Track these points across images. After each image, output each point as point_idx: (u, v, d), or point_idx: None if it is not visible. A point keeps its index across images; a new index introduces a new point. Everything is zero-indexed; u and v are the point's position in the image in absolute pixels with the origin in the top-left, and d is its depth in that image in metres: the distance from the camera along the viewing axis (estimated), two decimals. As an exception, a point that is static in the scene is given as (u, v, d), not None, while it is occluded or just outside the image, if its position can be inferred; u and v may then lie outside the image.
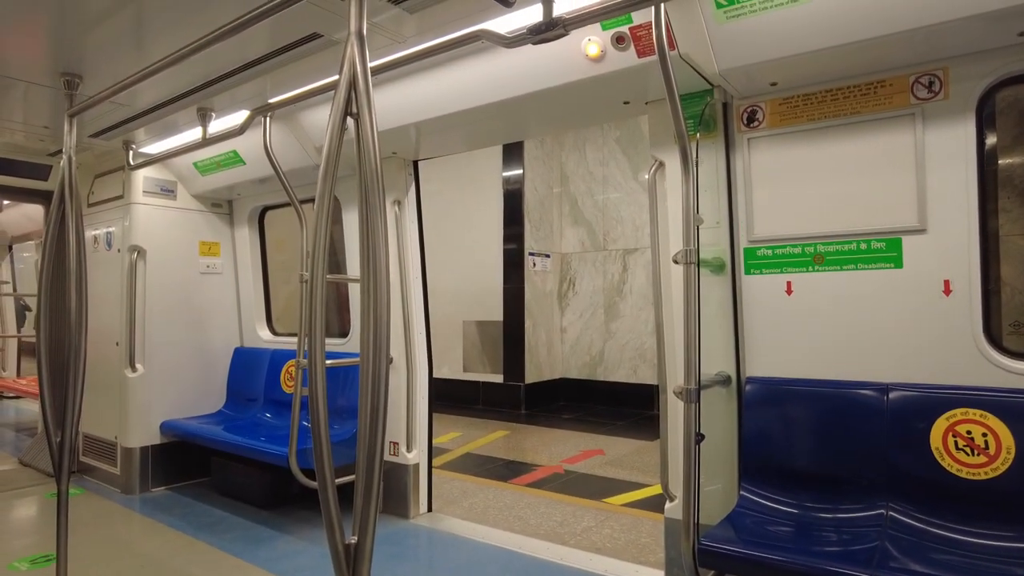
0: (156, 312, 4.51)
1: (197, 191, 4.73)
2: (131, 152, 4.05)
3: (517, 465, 5.36)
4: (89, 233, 4.82)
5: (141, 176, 4.47)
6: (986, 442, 2.13)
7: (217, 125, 3.56)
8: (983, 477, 2.12)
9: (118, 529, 3.80)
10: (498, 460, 5.53)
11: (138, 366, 4.41)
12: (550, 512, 4.05)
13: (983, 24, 2.00)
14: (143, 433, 4.44)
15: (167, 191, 4.63)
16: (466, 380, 8.36)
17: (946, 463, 2.19)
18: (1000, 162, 4.22)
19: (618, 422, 7.08)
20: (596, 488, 4.62)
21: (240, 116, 3.40)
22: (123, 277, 4.44)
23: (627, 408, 7.67)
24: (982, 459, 2.13)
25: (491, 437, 6.48)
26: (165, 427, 4.47)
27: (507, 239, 8.10)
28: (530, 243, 8.06)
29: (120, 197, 4.56)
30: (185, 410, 4.64)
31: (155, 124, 3.73)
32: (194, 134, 3.75)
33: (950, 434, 2.19)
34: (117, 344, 4.47)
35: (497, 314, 8.10)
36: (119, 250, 4.54)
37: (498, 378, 8.09)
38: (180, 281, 4.69)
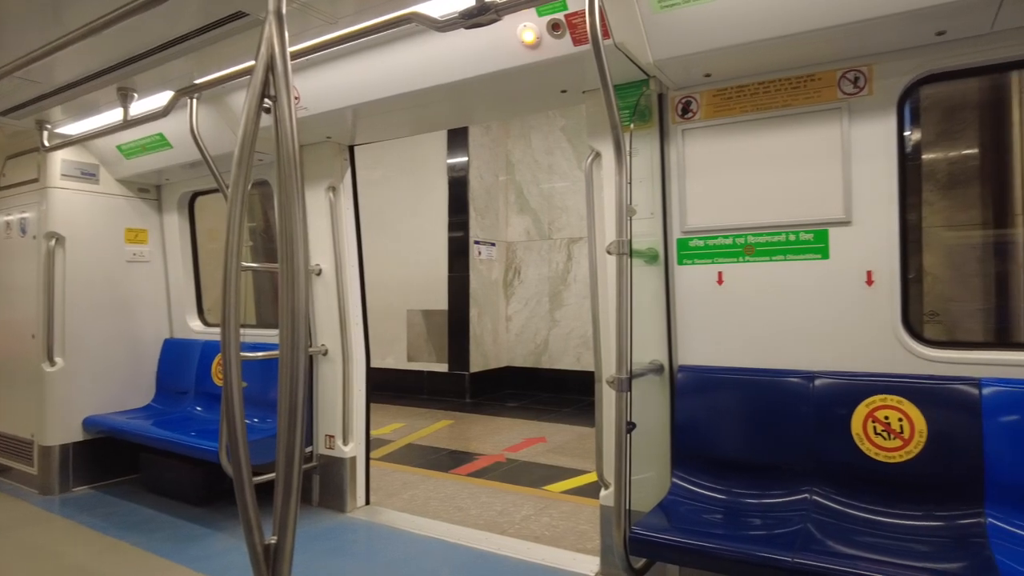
0: (77, 303, 4.27)
1: (122, 175, 4.48)
2: (45, 133, 3.81)
3: (460, 455, 5.34)
4: (0, 218, 4.53)
5: (59, 158, 4.21)
6: (901, 427, 2.21)
7: (141, 106, 3.38)
8: (898, 460, 2.21)
9: (34, 532, 3.60)
10: (441, 450, 5.50)
11: (57, 360, 4.17)
12: (490, 501, 4.05)
13: (903, 23, 2.06)
14: (63, 430, 4.21)
15: (88, 175, 4.38)
16: (411, 370, 8.27)
17: (865, 447, 2.27)
18: (924, 157, 4.40)
19: (563, 409, 7.14)
20: (537, 476, 4.64)
21: (164, 97, 3.24)
22: (39, 266, 4.18)
23: (571, 395, 7.74)
24: (897, 443, 2.22)
25: (435, 427, 6.44)
26: (88, 423, 4.25)
27: (452, 227, 8.02)
28: (475, 231, 8.00)
29: (35, 180, 4.28)
30: (111, 405, 4.42)
31: (72, 103, 3.51)
32: (116, 115, 3.55)
33: (870, 420, 2.27)
34: (33, 337, 4.23)
35: (442, 303, 8.03)
36: (35, 237, 4.28)
37: (443, 367, 8.04)
38: (104, 270, 4.45)
